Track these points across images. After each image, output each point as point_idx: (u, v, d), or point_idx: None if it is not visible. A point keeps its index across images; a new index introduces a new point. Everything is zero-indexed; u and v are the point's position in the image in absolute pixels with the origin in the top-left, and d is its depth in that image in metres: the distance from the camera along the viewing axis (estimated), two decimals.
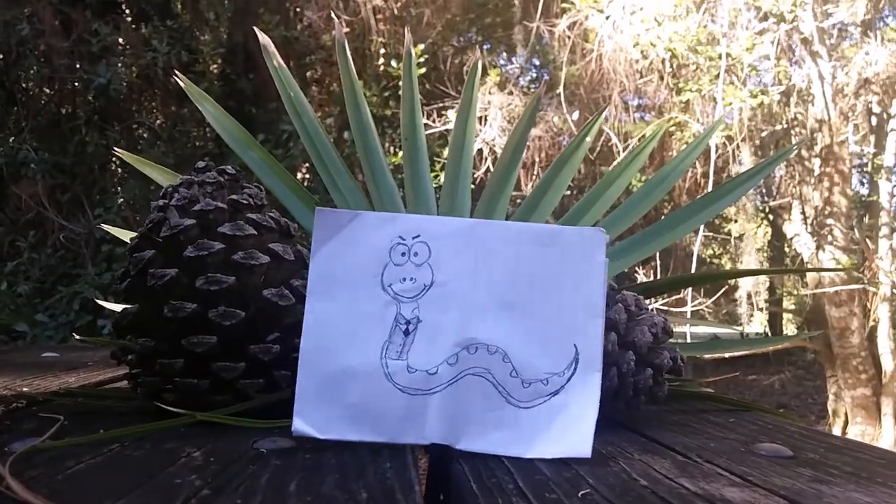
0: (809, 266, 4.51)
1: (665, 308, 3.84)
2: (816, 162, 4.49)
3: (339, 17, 4.00)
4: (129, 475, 0.35)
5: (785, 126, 4.66)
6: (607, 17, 4.12)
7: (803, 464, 0.41)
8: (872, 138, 4.87)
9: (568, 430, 0.41)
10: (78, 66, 4.08)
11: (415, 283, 0.43)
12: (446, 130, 4.11)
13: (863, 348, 4.43)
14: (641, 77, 4.46)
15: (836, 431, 4.49)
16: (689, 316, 3.96)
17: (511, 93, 4.59)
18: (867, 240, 4.50)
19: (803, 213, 4.74)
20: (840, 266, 4.20)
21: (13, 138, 4.24)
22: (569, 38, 4.46)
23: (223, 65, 4.53)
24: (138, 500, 0.31)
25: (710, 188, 3.93)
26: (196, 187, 0.53)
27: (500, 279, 0.43)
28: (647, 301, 0.59)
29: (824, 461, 0.42)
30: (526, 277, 0.43)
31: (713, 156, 3.97)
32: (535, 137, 4.43)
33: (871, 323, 4.43)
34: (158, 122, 4.60)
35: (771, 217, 5.69)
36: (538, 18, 4.57)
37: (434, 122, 4.31)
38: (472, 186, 0.96)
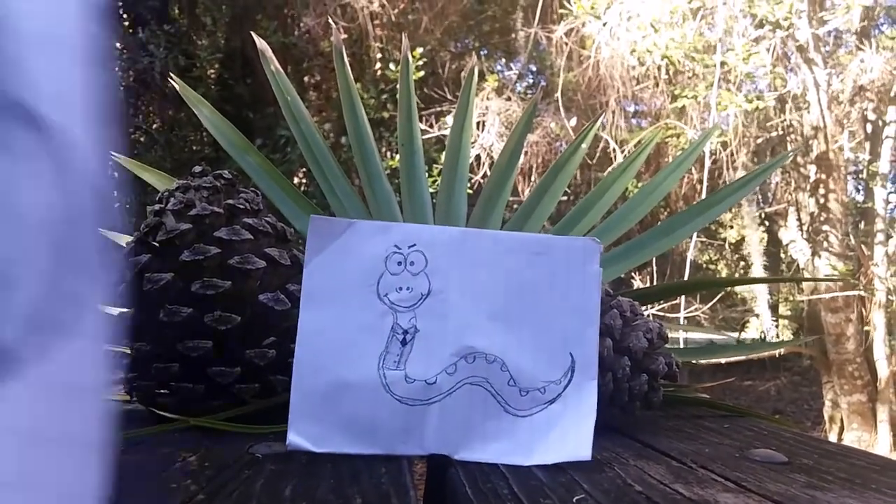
0: (805, 272, 4.52)
1: (661, 314, 3.84)
2: (812, 168, 4.50)
3: (336, 24, 4.01)
4: (123, 480, 0.35)
5: (780, 133, 4.68)
6: (604, 24, 4.14)
7: (798, 470, 0.41)
8: (868, 145, 4.89)
9: (566, 437, 0.41)
10: None
11: (411, 292, 0.43)
12: (443, 135, 4.12)
13: (858, 354, 4.44)
14: (638, 83, 4.48)
15: (832, 437, 4.50)
16: (683, 322, 3.97)
17: (509, 98, 4.61)
18: (862, 246, 4.51)
19: (799, 219, 4.75)
20: (836, 272, 4.21)
21: None
22: (566, 44, 4.49)
23: (220, 69, 4.53)
24: None
25: (704, 194, 3.94)
26: (192, 192, 0.53)
27: (495, 288, 0.43)
28: (643, 307, 0.59)
29: (818, 467, 0.42)
30: (521, 287, 0.43)
31: (707, 162, 3.98)
32: (531, 143, 4.45)
33: (867, 329, 4.44)
34: (155, 126, 4.60)
35: (767, 223, 5.70)
36: (536, 25, 4.59)
37: (431, 127, 4.31)
38: (469, 191, 0.96)
